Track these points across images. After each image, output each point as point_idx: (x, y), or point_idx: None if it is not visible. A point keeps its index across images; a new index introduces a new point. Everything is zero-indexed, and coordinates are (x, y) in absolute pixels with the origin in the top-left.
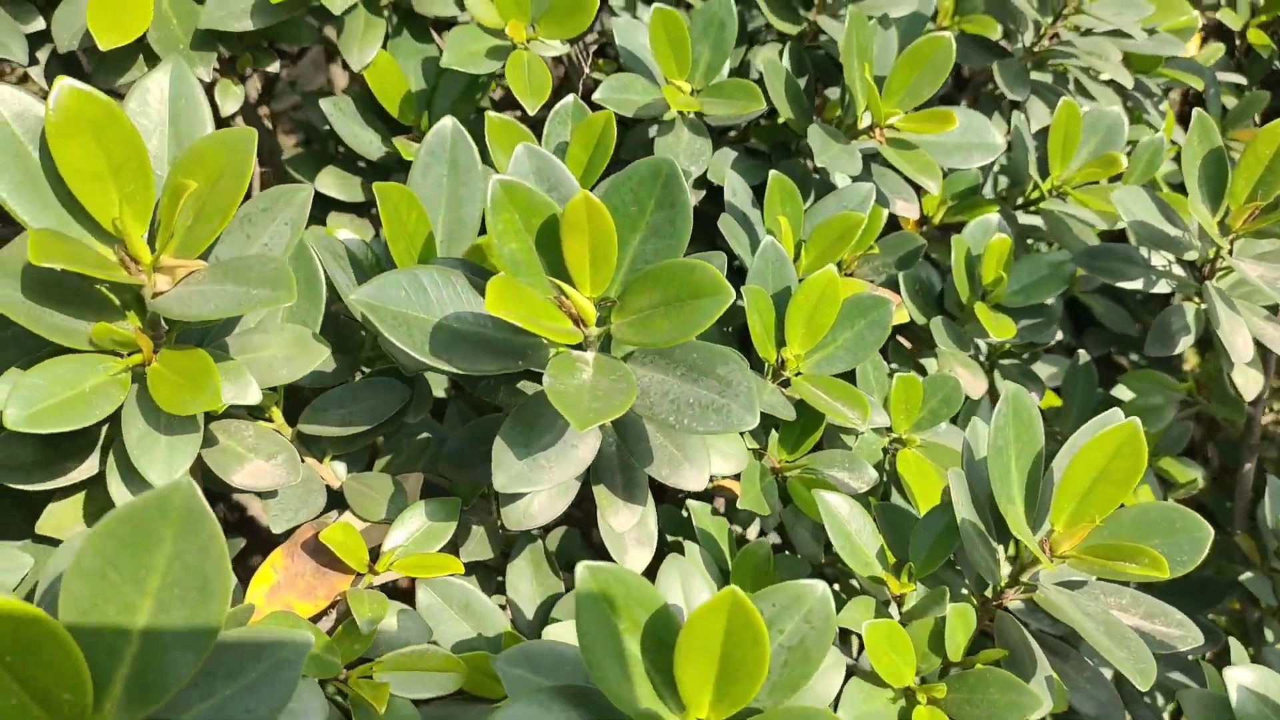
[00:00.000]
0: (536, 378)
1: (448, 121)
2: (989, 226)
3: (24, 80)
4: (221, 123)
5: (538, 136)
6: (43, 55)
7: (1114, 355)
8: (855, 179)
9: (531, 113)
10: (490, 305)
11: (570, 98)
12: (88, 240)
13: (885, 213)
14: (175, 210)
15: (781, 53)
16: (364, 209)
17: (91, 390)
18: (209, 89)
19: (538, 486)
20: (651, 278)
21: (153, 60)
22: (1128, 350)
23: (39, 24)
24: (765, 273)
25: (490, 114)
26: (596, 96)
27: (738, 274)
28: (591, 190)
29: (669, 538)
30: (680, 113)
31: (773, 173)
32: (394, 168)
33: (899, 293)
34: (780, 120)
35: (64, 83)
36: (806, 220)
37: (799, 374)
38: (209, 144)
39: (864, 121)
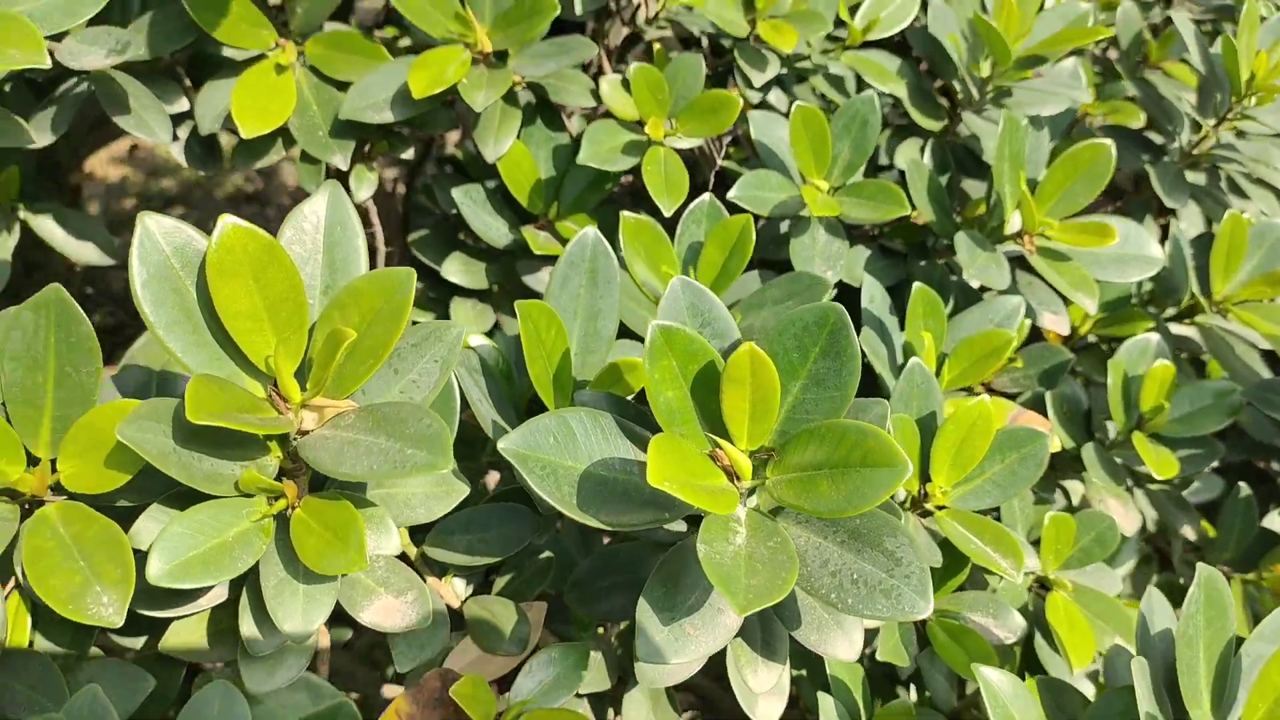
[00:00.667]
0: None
1: (590, 232)
2: (1148, 349)
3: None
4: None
5: (671, 232)
6: (183, 132)
7: (1254, 462)
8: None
9: (668, 214)
10: (652, 477)
11: (706, 197)
12: (239, 378)
13: (1029, 322)
14: (330, 353)
15: (923, 149)
16: (486, 293)
17: (235, 539)
18: (343, 176)
19: (682, 659)
20: (816, 436)
21: (290, 143)
22: (1270, 458)
23: (183, 105)
24: (909, 396)
25: (625, 215)
26: (732, 195)
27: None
28: (726, 294)
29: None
30: None
31: (916, 285)
32: (519, 254)
33: (1044, 410)
34: (920, 221)
35: (227, 221)
36: (949, 331)
37: (943, 508)
38: (366, 284)
39: (1011, 225)
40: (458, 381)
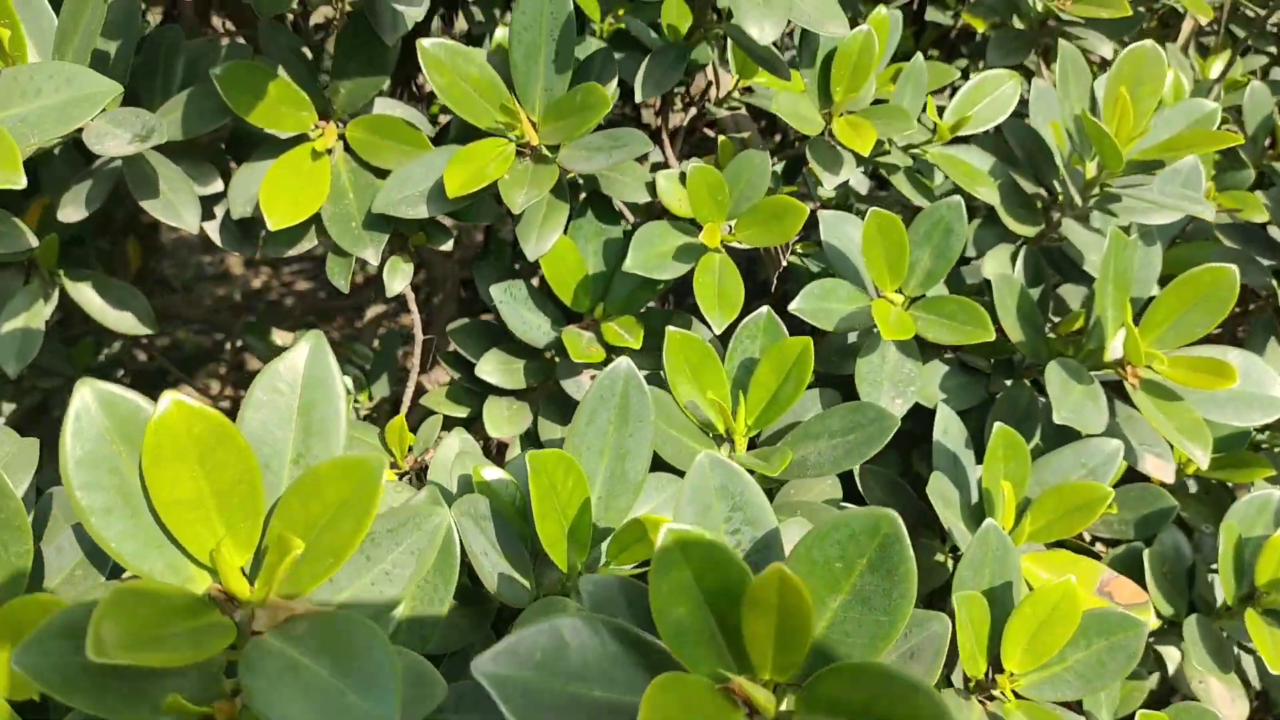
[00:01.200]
0: None
1: (622, 365)
2: (1268, 507)
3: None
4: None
5: (724, 346)
6: (221, 209)
7: None
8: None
9: (717, 331)
10: None
11: (764, 312)
12: (181, 568)
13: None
14: (277, 559)
15: (1015, 256)
16: (524, 391)
17: None
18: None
19: None
20: (853, 676)
21: (324, 234)
22: None
23: (218, 186)
24: (981, 562)
25: (671, 331)
26: (793, 307)
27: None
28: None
29: None
30: None
31: (997, 427)
32: (560, 353)
33: (1140, 568)
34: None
35: (167, 399)
36: (1035, 471)
37: (1013, 694)
38: (331, 471)
39: (1113, 351)
40: (459, 534)
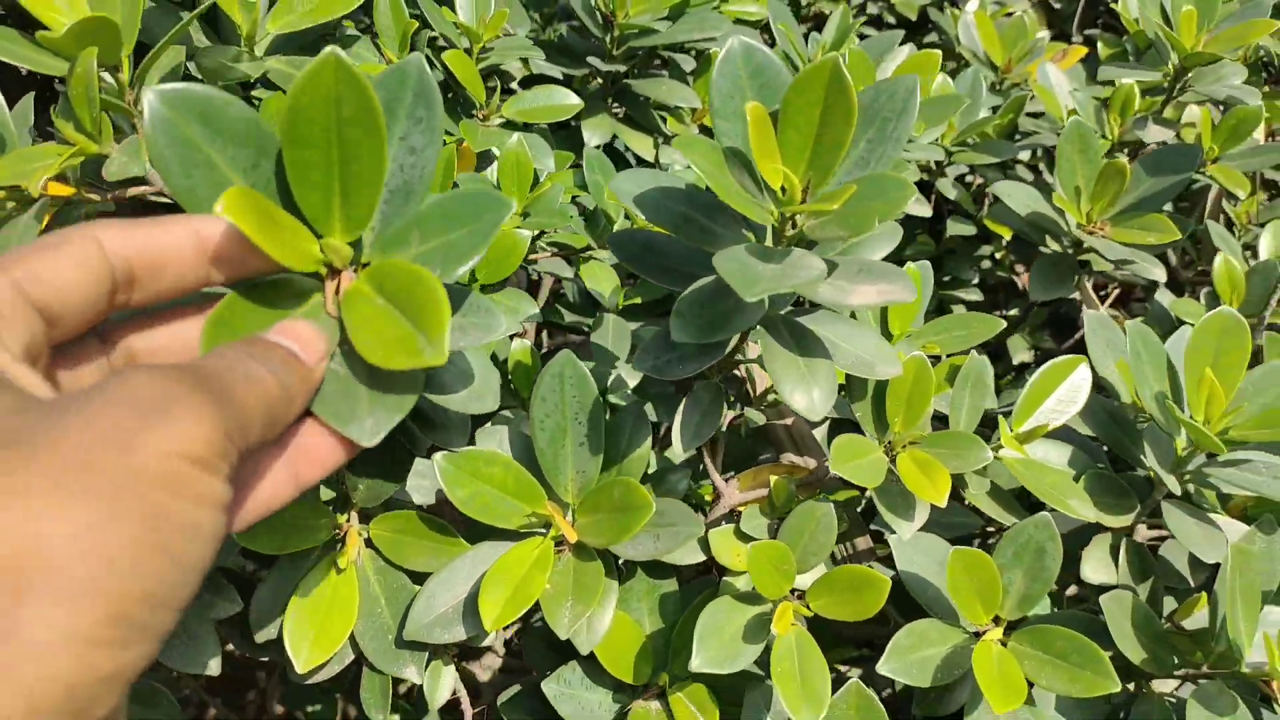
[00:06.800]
0: None
1: None
2: None
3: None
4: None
5: None
6: None
7: None
8: None
9: None
10: None
11: (853, 685)
12: None
13: None
14: None
15: (1116, 552)
16: None
17: None
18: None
19: None
20: None
21: (358, 649)
22: None
23: (236, 607)
24: None
25: None
26: (882, 669)
27: None
28: None
29: None
30: None
31: None
32: None
33: None
34: None
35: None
36: None
37: None
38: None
39: (1248, 661)
40: None
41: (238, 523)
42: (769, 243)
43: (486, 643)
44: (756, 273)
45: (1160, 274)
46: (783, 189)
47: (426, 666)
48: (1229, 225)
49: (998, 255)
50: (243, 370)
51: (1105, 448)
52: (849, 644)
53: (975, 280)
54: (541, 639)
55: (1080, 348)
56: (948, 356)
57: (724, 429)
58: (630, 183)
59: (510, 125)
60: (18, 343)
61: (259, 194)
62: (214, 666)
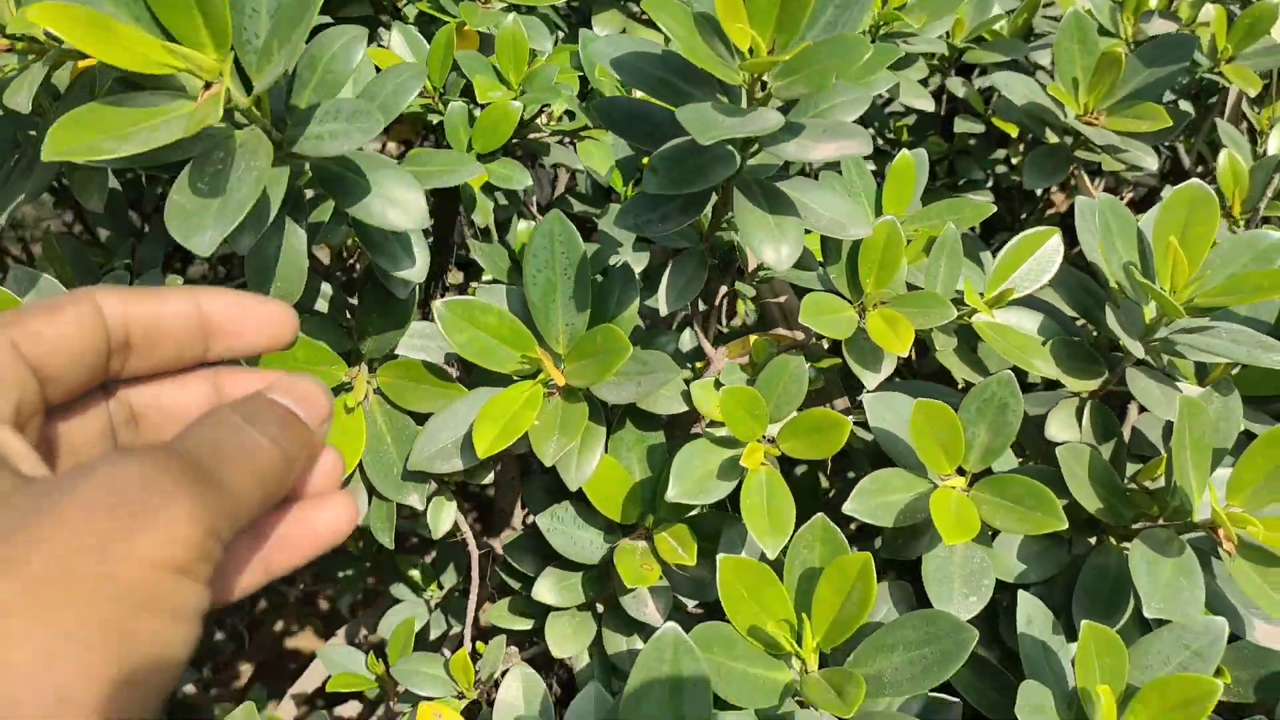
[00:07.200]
0: None
1: (669, 634)
2: None
3: None
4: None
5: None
6: None
7: None
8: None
9: (771, 556)
10: None
11: (818, 520)
12: None
13: None
14: None
15: (1080, 413)
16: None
17: None
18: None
19: None
20: None
21: (367, 481)
22: None
23: None
24: None
25: (722, 558)
26: (847, 508)
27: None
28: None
29: None
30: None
31: (1085, 625)
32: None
33: None
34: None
35: None
36: (1134, 655)
37: None
38: None
39: (1200, 513)
40: None
41: None
42: (743, 105)
43: (514, 523)
44: (714, 120)
45: (1151, 162)
46: (750, 50)
47: (429, 502)
48: (1251, 130)
49: (1013, 160)
50: (238, 443)
51: (1081, 323)
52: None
53: (989, 184)
54: (540, 487)
55: None
56: None
57: (717, 305)
58: (609, 46)
59: (514, 9)
60: (9, 404)
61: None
62: None
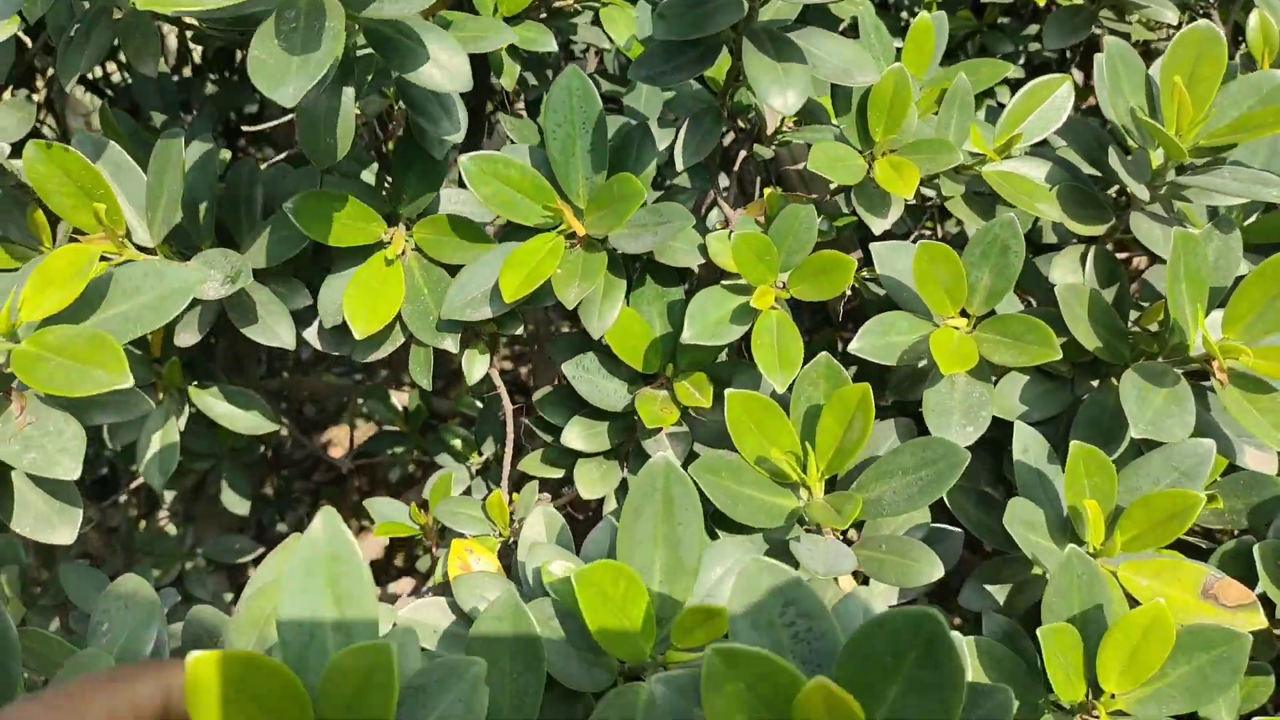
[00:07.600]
0: None
1: (659, 461)
2: None
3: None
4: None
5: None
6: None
7: None
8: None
9: (780, 390)
10: None
11: (822, 359)
12: None
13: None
14: None
15: (1085, 258)
16: (613, 450)
17: None
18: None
19: None
20: None
21: (407, 330)
22: None
23: (307, 299)
24: (1069, 589)
25: (730, 392)
26: (853, 348)
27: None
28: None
29: None
30: None
31: (1074, 446)
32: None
33: (1251, 565)
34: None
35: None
36: (1124, 478)
37: (1119, 714)
38: (348, 660)
39: (1196, 347)
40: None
41: None
42: None
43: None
44: None
45: (1171, 15)
46: None
47: (463, 351)
48: None
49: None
50: None
51: (1091, 174)
52: None
53: (1021, 60)
54: (566, 343)
55: None
56: None
57: (736, 169)
58: None
59: None
60: None
61: None
62: (289, 340)
